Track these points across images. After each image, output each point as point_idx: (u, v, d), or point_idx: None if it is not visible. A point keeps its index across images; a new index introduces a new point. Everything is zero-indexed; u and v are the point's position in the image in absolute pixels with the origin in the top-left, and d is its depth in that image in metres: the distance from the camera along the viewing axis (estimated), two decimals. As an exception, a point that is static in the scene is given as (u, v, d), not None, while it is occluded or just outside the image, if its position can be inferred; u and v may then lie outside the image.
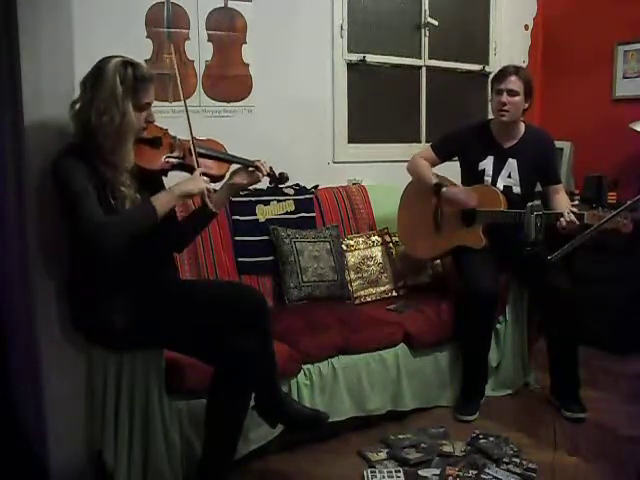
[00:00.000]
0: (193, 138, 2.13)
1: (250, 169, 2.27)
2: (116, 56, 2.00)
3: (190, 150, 2.12)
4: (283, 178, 2.39)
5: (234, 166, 2.29)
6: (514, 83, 2.86)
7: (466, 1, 4.14)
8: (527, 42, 4.42)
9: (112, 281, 2.01)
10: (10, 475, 2.03)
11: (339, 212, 3.38)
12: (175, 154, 2.14)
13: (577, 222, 2.61)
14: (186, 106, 2.13)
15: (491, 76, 3.04)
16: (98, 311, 2.02)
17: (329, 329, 2.66)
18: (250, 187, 2.44)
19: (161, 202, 1.99)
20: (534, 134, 3.02)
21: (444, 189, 2.95)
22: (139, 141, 2.07)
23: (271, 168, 2.32)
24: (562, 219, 2.64)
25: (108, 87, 1.94)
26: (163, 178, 2.21)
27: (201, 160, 2.17)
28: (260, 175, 2.27)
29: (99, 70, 1.97)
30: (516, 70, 2.90)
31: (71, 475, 2.13)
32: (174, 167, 2.15)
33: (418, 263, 3.25)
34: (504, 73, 2.90)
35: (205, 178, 2.08)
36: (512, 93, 2.87)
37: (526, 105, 2.93)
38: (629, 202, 2.27)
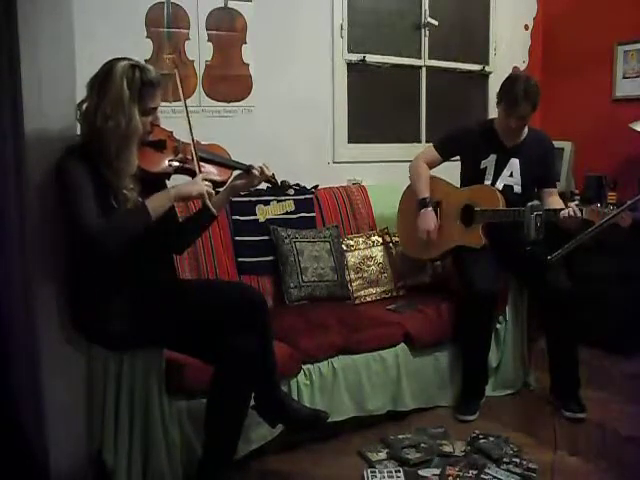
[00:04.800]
0: (194, 144, 2.11)
1: (254, 171, 2.23)
2: (124, 58, 1.99)
3: (194, 149, 2.11)
4: (284, 186, 2.36)
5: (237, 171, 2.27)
6: (524, 110, 2.80)
7: (466, 1, 4.14)
8: (527, 42, 4.42)
9: (111, 283, 2.01)
10: (10, 475, 2.03)
11: (339, 212, 3.38)
12: (178, 157, 2.12)
13: (580, 215, 2.61)
14: (187, 113, 2.11)
15: (498, 87, 2.91)
16: (98, 313, 2.02)
17: (329, 329, 2.66)
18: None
19: (155, 203, 1.97)
20: (536, 136, 3.03)
21: (424, 210, 2.98)
22: (143, 144, 2.06)
23: (273, 175, 2.28)
24: (565, 211, 2.64)
25: (115, 91, 1.93)
26: (166, 181, 2.20)
27: (203, 165, 2.16)
28: (262, 179, 2.25)
29: (107, 73, 1.96)
30: (526, 95, 2.77)
31: (71, 475, 2.13)
32: (177, 170, 2.14)
33: (418, 263, 3.25)
34: (516, 100, 2.77)
35: (207, 182, 2.06)
36: (522, 119, 2.85)
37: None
38: (629, 202, 2.27)
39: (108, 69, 1.96)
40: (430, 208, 3.00)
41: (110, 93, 1.93)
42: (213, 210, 2.09)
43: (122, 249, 1.91)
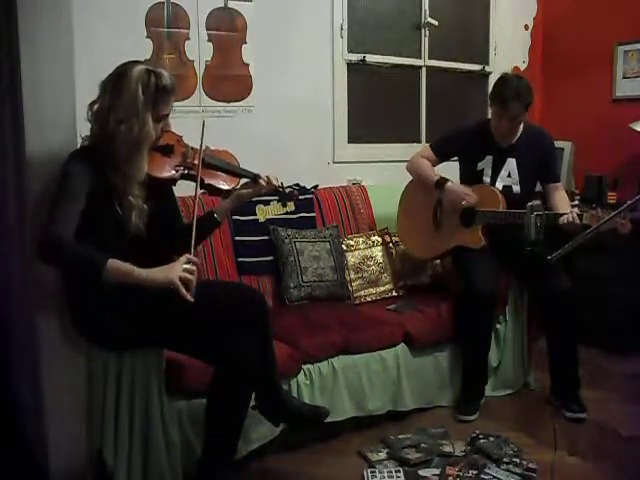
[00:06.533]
0: (201, 152, 2.08)
1: (261, 181, 2.20)
2: (139, 62, 1.98)
3: (201, 161, 2.07)
4: (292, 195, 2.33)
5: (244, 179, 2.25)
6: (517, 109, 2.79)
7: (466, 1, 4.14)
8: (527, 42, 4.42)
9: (111, 283, 2.00)
10: (10, 475, 2.03)
11: (339, 212, 3.38)
12: (185, 163, 2.10)
13: (579, 222, 2.61)
14: (203, 128, 2.07)
15: (490, 88, 2.93)
16: (97, 313, 2.02)
17: (329, 329, 2.66)
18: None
19: (118, 270, 1.83)
20: (533, 132, 3.00)
21: (448, 184, 2.96)
22: (151, 148, 2.04)
23: (282, 184, 2.26)
24: (565, 217, 2.64)
25: (130, 95, 1.91)
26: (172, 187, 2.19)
27: (211, 172, 2.14)
28: (268, 189, 2.22)
29: (121, 75, 1.93)
30: (517, 95, 2.75)
31: (71, 475, 2.13)
32: (183, 177, 2.11)
33: (418, 263, 3.25)
34: (507, 99, 2.76)
35: (188, 266, 1.89)
36: (514, 118, 2.83)
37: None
38: (629, 202, 2.27)
39: (123, 71, 1.94)
40: (450, 182, 2.98)
41: (124, 97, 1.91)
42: (187, 296, 1.88)
43: (59, 266, 1.94)
